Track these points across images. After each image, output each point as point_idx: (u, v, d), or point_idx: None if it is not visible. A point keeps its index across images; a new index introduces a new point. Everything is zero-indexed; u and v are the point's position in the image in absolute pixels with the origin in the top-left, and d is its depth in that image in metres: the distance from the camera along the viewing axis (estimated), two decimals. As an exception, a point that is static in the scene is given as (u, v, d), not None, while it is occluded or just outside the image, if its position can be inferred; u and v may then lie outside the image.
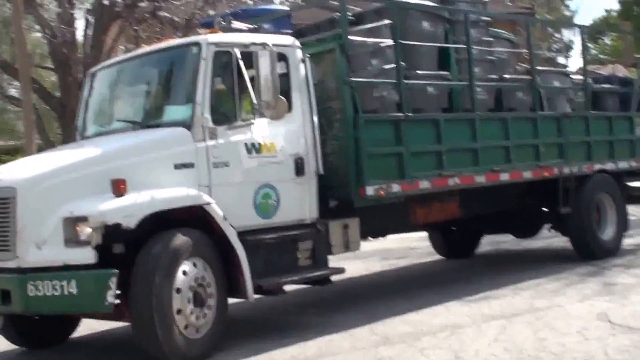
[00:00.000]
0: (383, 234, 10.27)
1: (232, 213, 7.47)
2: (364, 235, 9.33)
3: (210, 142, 7.42)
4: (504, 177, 10.09)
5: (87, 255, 6.55)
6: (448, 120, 9.50)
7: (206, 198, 7.20)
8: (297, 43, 8.36)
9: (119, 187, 6.73)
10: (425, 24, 9.61)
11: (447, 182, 9.36)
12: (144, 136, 7.47)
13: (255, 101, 7.46)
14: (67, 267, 6.59)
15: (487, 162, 9.87)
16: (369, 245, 11.51)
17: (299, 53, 8.27)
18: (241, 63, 7.53)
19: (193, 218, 7.17)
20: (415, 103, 9.36)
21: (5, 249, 6.83)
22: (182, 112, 7.52)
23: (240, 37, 7.86)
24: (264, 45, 7.49)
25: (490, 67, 10.48)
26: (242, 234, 7.54)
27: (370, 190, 8.47)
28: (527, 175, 10.41)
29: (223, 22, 8.44)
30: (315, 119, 8.29)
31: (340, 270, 8.34)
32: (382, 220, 9.49)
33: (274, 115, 7.64)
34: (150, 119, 7.89)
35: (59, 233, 6.64)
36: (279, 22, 9.59)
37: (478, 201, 10.61)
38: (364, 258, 12.95)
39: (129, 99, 8.34)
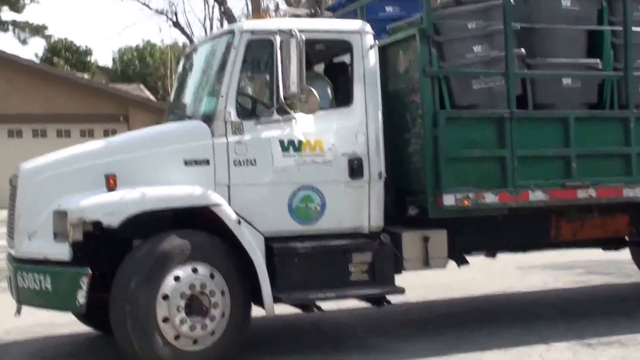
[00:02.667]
0: (508, 249, 8.72)
1: (260, 216, 6.83)
2: (474, 250, 8.17)
3: (233, 138, 6.79)
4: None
5: (63, 251, 6.36)
6: (582, 118, 7.75)
7: (214, 198, 6.60)
8: (368, 28, 7.36)
9: (109, 183, 6.45)
10: (566, 3, 7.92)
11: (576, 194, 7.67)
12: (157, 129, 7.08)
13: (281, 94, 6.71)
14: (51, 262, 6.47)
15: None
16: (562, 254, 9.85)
17: (368, 40, 7.27)
18: (278, 52, 6.79)
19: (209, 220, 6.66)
20: (544, 97, 7.82)
21: (11, 236, 6.90)
22: (209, 104, 7.01)
23: (275, 23, 7.06)
24: (290, 32, 6.66)
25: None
26: (273, 240, 6.86)
27: (449, 199, 7.20)
28: None
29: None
30: (380, 114, 7.25)
31: (399, 290, 7.20)
32: (500, 234, 8.06)
33: (306, 109, 6.81)
34: (190, 111, 7.47)
35: (49, 226, 6.51)
36: (408, 4, 8.57)
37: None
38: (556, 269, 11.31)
39: (187, 87, 7.92)
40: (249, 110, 7.04)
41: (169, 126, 7.24)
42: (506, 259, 9.76)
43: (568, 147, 7.64)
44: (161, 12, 35.27)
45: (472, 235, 7.96)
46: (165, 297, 6.37)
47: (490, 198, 7.35)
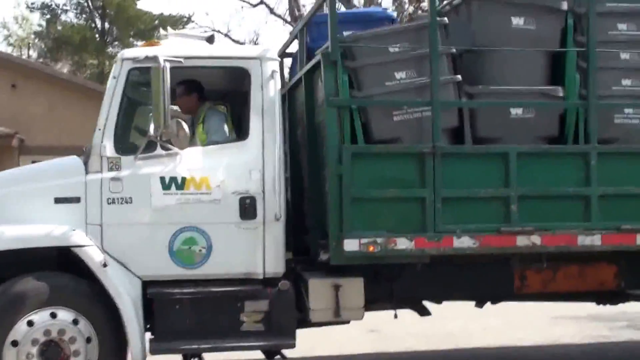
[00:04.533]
0: (464, 299, 7.69)
1: (136, 259, 6.40)
2: (420, 298, 7.44)
3: (108, 174, 6.37)
4: (650, 241, 6.80)
5: None
6: (527, 154, 6.71)
7: (76, 239, 6.20)
8: (269, 54, 6.73)
9: None
10: (518, 21, 6.90)
11: (515, 241, 6.63)
12: (36, 165, 6.79)
13: (151, 128, 6.23)
14: None
15: (610, 217, 6.76)
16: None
17: (268, 67, 6.64)
18: (167, 80, 6.27)
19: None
20: (487, 130, 6.87)
21: None
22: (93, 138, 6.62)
23: (157, 50, 6.53)
24: (155, 59, 6.17)
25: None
26: (151, 285, 6.39)
27: (352, 245, 6.38)
28: None
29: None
30: (280, 150, 6.59)
31: (290, 345, 6.52)
32: (450, 282, 7.18)
33: (178, 144, 6.30)
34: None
35: None
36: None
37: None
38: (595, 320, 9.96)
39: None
40: (131, 145, 6.57)
41: (47, 162, 6.94)
42: (547, 307, 8.79)
43: (508, 187, 6.64)
44: None
45: (414, 283, 7.11)
46: (15, 343, 6.04)
47: (404, 244, 6.47)
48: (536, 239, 6.65)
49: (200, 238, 6.45)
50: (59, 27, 33.55)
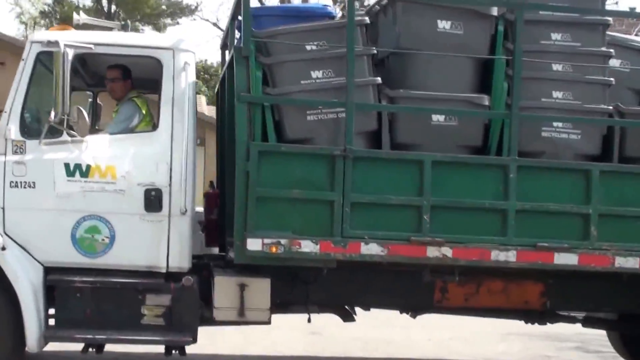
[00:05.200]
0: (381, 307, 7.51)
1: (38, 244, 6.36)
2: (337, 303, 7.29)
3: (12, 158, 6.31)
4: (566, 259, 6.60)
5: None
6: (443, 163, 6.53)
7: None
8: (183, 45, 6.63)
9: None
10: (444, 25, 6.71)
11: (425, 251, 6.46)
12: None
13: (54, 113, 6.13)
14: None
15: (527, 233, 6.58)
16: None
17: (181, 58, 6.54)
18: (67, 66, 6.21)
19: None
20: (407, 136, 6.70)
21: None
22: None
23: (64, 35, 6.41)
24: (55, 43, 6.08)
25: (599, 92, 6.92)
26: (53, 272, 6.33)
27: (254, 244, 6.27)
28: (628, 263, 6.66)
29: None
30: (189, 143, 6.48)
31: (187, 341, 6.44)
32: (367, 289, 7.04)
33: (79, 132, 6.22)
34: None
35: None
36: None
37: (578, 291, 7.20)
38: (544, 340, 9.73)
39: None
40: (38, 129, 6.47)
41: None
42: (501, 323, 8.52)
43: (421, 196, 6.47)
44: None
45: (331, 287, 6.98)
46: None
47: (309, 247, 6.34)
48: (447, 251, 6.48)
49: (103, 227, 6.37)
50: (65, 8, 33.66)
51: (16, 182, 6.30)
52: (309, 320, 7.20)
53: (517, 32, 6.63)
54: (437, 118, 6.70)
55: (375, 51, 6.65)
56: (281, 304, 6.99)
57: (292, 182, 6.38)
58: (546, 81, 6.85)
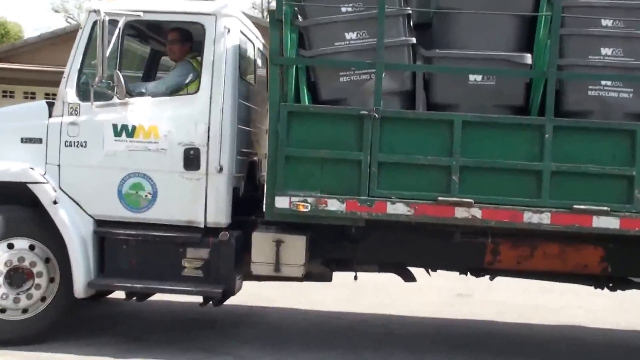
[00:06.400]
0: (428, 268, 7.44)
1: (89, 199, 6.88)
2: (386, 262, 7.41)
3: (68, 119, 6.84)
4: (606, 223, 6.29)
5: None
6: (474, 123, 6.40)
7: (32, 175, 6.73)
8: (227, 11, 6.88)
9: None
10: (484, -15, 6.55)
11: (454, 212, 6.39)
12: (6, 107, 7.35)
13: (96, 78, 6.60)
14: None
15: (563, 195, 6.33)
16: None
17: (222, 23, 6.80)
18: (105, 33, 6.57)
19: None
20: (443, 96, 6.63)
21: None
22: None
23: (119, 4, 6.82)
24: (96, 12, 6.52)
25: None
26: (102, 224, 6.86)
27: (282, 202, 6.49)
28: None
29: None
30: (227, 104, 6.75)
31: (215, 294, 6.72)
32: (414, 249, 7.06)
33: (118, 95, 6.66)
34: None
35: None
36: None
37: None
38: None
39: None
40: (89, 92, 6.91)
41: (18, 105, 7.50)
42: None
43: (450, 156, 6.39)
44: None
45: (381, 247, 7.09)
46: None
47: (335, 205, 6.46)
48: (476, 212, 6.38)
49: (146, 184, 6.78)
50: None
51: (70, 141, 6.83)
52: (356, 278, 7.32)
53: (555, -16, 6.36)
54: (475, 78, 6.57)
55: (409, 11, 6.61)
56: (331, 262, 7.18)
57: (320, 142, 6.51)
58: (594, 38, 6.52)
